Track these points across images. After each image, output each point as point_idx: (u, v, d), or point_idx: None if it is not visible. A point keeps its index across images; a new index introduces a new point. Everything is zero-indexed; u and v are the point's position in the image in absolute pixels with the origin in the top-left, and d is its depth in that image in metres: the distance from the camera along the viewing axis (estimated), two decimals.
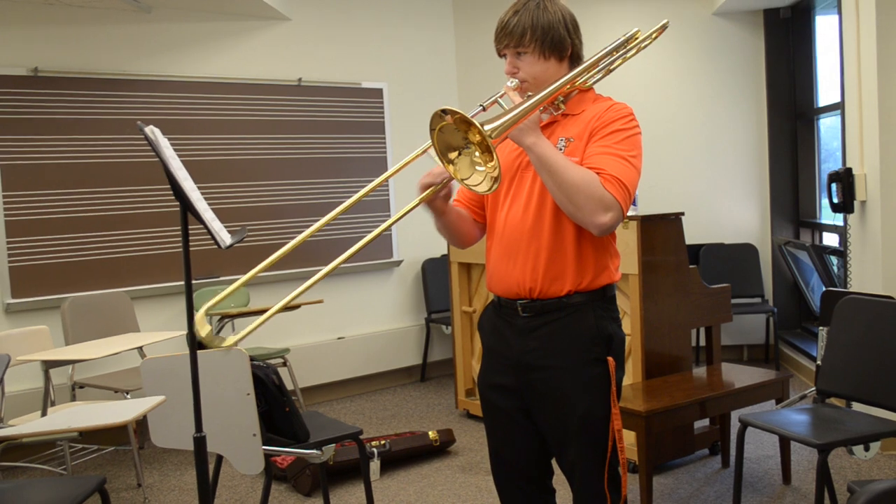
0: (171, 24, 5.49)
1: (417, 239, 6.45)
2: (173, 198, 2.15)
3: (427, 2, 6.68)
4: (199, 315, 1.90)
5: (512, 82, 2.17)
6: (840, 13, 4.67)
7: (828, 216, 6.08)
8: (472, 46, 6.74)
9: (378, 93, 6.36)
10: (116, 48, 5.27)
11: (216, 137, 5.57)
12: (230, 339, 1.88)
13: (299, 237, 2.09)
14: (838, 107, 4.92)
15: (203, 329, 1.85)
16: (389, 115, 6.40)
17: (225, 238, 2.14)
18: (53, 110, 5.00)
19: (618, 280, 2.24)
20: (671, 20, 2.42)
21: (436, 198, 2.17)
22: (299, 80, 5.96)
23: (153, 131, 2.00)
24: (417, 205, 2.14)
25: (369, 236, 2.17)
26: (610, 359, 2.15)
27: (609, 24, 6.43)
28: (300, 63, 6.02)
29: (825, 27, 6.35)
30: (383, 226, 2.20)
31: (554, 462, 2.31)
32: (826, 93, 6.30)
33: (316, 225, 2.13)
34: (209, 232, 2.16)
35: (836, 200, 4.55)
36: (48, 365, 4.18)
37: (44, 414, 4.03)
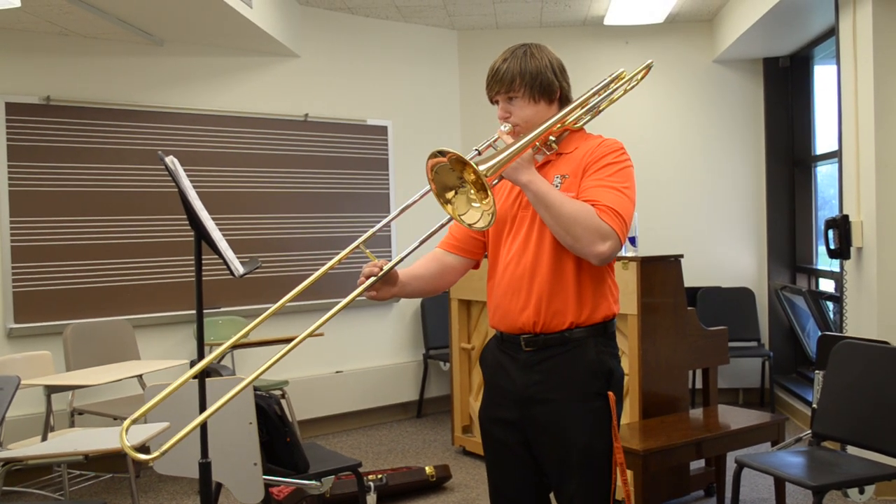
0: (183, 58, 5.59)
1: None
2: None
3: (432, 42, 6.79)
4: (124, 426, 1.81)
5: (505, 126, 2.24)
6: (838, 63, 4.77)
7: (824, 262, 6.13)
8: (476, 86, 6.82)
9: (383, 130, 6.45)
10: (128, 79, 5.36)
11: (223, 170, 5.64)
12: (157, 453, 1.78)
13: (315, 275, 2.05)
14: (836, 154, 5.00)
15: (125, 442, 1.76)
16: (393, 152, 6.48)
17: (238, 267, 2.19)
18: (64, 139, 5.08)
19: (617, 311, 2.29)
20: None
21: (377, 291, 2.16)
22: (306, 115, 6.05)
23: (173, 161, 2.05)
24: (353, 299, 2.10)
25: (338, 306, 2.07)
26: (610, 393, 2.19)
27: (611, 68, 6.53)
28: (307, 99, 6.11)
29: (823, 77, 6.47)
30: (339, 306, 2.06)
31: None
32: (824, 141, 6.40)
33: (331, 262, 2.09)
34: (224, 261, 2.21)
35: (832, 246, 4.62)
36: (50, 390, 4.19)
37: (44, 439, 4.03)
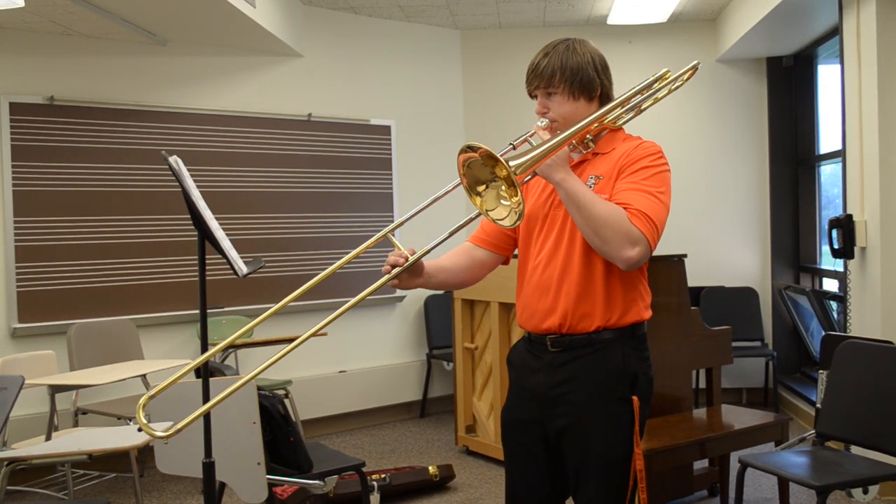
0: (186, 58, 5.60)
1: None
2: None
3: (436, 42, 6.79)
4: (141, 402, 1.88)
5: (542, 122, 2.20)
6: (842, 63, 4.76)
7: (828, 262, 6.13)
8: (480, 87, 6.84)
9: (386, 130, 6.44)
10: (131, 79, 5.37)
11: (226, 169, 5.65)
12: (170, 430, 1.83)
13: (322, 274, 2.05)
14: (839, 154, 4.99)
15: (141, 418, 1.84)
16: (396, 152, 6.47)
17: (242, 267, 2.19)
18: (67, 138, 5.08)
19: (648, 317, 2.26)
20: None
21: (399, 279, 2.16)
22: (309, 115, 6.06)
23: (177, 161, 2.05)
24: (378, 288, 2.12)
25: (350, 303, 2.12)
26: (634, 398, 2.16)
27: (615, 68, 6.52)
28: (311, 99, 6.11)
29: (827, 76, 6.46)
30: (361, 296, 2.13)
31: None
32: (827, 140, 6.38)
33: (341, 261, 2.12)
34: (227, 261, 2.21)
35: (836, 246, 4.61)
36: (54, 390, 4.20)
37: (48, 438, 4.04)
